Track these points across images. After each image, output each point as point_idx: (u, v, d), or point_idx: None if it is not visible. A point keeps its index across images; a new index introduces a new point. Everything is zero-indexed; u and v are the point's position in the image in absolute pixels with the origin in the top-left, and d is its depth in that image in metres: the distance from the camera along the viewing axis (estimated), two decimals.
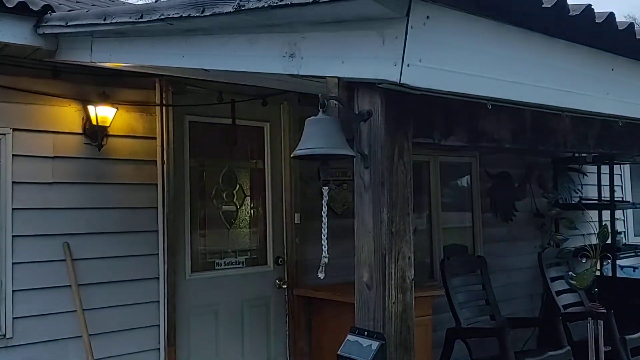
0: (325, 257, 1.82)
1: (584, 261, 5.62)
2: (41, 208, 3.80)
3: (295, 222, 4.81)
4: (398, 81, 1.65)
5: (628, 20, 2.07)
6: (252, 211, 4.82)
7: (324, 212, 1.80)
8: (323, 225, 1.78)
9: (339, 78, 1.87)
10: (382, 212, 1.79)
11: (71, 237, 3.87)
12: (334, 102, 1.86)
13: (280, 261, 4.76)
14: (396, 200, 1.83)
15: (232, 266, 4.62)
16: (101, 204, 4.01)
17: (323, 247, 1.82)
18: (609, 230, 5.58)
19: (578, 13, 1.84)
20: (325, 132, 1.71)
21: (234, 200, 4.71)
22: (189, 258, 4.40)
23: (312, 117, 1.78)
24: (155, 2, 2.49)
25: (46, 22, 3.35)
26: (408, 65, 1.64)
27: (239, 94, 4.47)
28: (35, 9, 3.41)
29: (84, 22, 2.97)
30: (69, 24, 3.13)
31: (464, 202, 6.29)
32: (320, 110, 1.76)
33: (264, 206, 4.82)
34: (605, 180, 6.69)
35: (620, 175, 7.49)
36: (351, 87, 1.91)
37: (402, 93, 1.83)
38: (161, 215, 4.21)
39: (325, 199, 1.79)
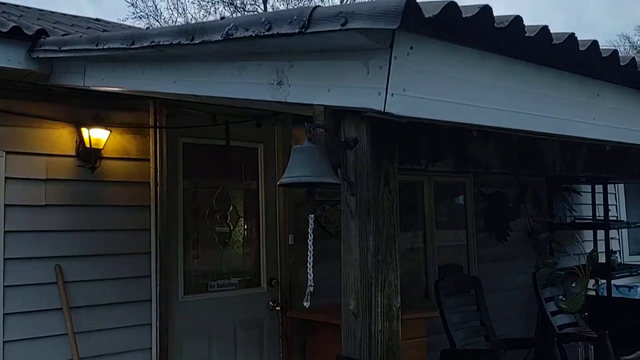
0: (311, 286, 1.82)
1: (574, 285, 5.61)
2: (34, 231, 3.80)
3: (289, 243, 4.80)
4: (382, 110, 1.66)
5: (612, 48, 2.09)
6: (245, 232, 4.82)
7: (310, 240, 1.81)
8: (309, 253, 1.78)
9: (325, 106, 1.89)
10: (368, 239, 1.80)
11: (63, 259, 3.86)
12: (321, 129, 1.87)
13: (274, 283, 4.75)
14: (382, 227, 1.83)
15: (225, 288, 4.61)
16: (94, 226, 4.01)
17: (309, 275, 1.82)
18: (598, 254, 5.57)
19: (561, 42, 1.86)
20: (311, 161, 1.72)
21: (228, 221, 4.71)
22: (182, 280, 4.38)
23: (299, 145, 1.80)
24: (147, 28, 2.52)
25: (40, 47, 3.38)
26: (392, 95, 1.65)
27: (233, 115, 4.49)
28: (30, 33, 3.44)
29: (77, 47, 2.99)
30: (62, 48, 3.16)
31: (459, 220, 6.29)
32: (307, 138, 1.77)
33: (258, 227, 4.82)
34: (599, 199, 6.70)
35: (615, 194, 7.51)
36: (338, 114, 1.92)
37: (387, 120, 1.84)
38: (154, 237, 4.21)
39: (311, 226, 1.79)
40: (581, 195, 7.05)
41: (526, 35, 1.76)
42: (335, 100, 1.83)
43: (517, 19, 1.71)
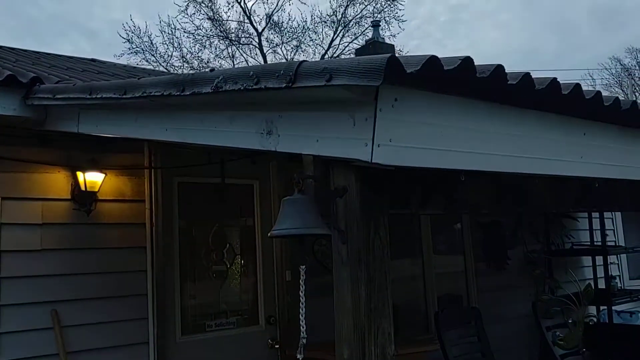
0: (304, 337, 1.82)
1: (570, 321, 5.59)
2: (29, 276, 3.80)
3: (287, 279, 4.79)
4: (370, 161, 1.68)
5: (594, 90, 2.13)
6: (242, 270, 4.81)
7: (302, 292, 1.81)
8: (301, 304, 1.79)
9: (314, 155, 1.91)
10: (360, 288, 1.80)
11: (59, 304, 3.85)
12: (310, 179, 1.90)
13: (272, 320, 4.73)
14: (374, 275, 1.84)
15: (223, 327, 4.58)
16: (90, 269, 4.00)
17: (301, 327, 1.82)
18: (593, 289, 5.57)
19: (543, 87, 1.90)
20: (300, 212, 1.74)
21: (224, 259, 4.71)
22: (179, 321, 4.36)
23: (288, 197, 1.82)
24: (139, 78, 2.56)
25: (35, 94, 3.42)
26: (379, 146, 1.68)
27: (228, 153, 4.52)
28: (24, 80, 3.49)
29: (71, 96, 3.04)
30: (56, 96, 3.20)
31: (457, 249, 6.29)
32: (296, 189, 1.79)
33: (255, 264, 4.81)
34: (596, 224, 6.71)
35: (612, 218, 7.51)
36: (327, 163, 1.95)
37: (376, 168, 1.86)
38: (150, 278, 4.20)
39: (302, 277, 1.80)
40: (578, 221, 7.06)
41: (508, 83, 1.80)
42: (323, 150, 1.85)
43: (499, 69, 1.74)
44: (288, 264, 4.81)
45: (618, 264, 7.50)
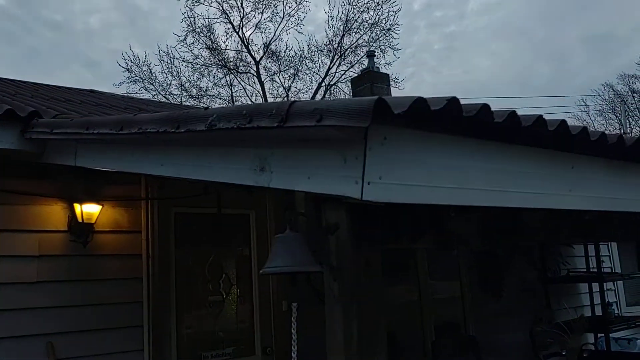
0: None
1: (564, 353, 5.57)
2: (25, 308, 3.79)
3: (283, 309, 4.78)
4: (360, 198, 1.72)
5: (581, 125, 2.18)
6: (238, 300, 4.81)
7: (294, 328, 1.83)
8: (293, 342, 1.81)
9: (306, 192, 1.95)
10: (352, 324, 1.82)
11: (55, 336, 3.84)
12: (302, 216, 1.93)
13: (269, 351, 4.71)
14: (366, 312, 1.86)
15: (220, 358, 4.56)
16: (86, 301, 4.00)
17: None
18: (585, 320, 5.56)
19: (529, 124, 1.94)
20: (292, 250, 1.76)
21: (221, 289, 4.71)
22: (175, 352, 4.34)
23: (280, 235, 1.85)
24: (135, 115, 2.61)
25: (33, 128, 3.47)
26: (369, 183, 1.72)
27: (225, 184, 4.54)
28: (23, 114, 3.54)
29: (68, 131, 3.08)
30: (54, 131, 3.25)
31: (453, 276, 6.29)
32: (288, 227, 1.82)
33: (251, 294, 4.81)
34: (592, 250, 6.72)
35: (607, 245, 7.53)
36: (318, 199, 1.98)
37: (367, 205, 1.90)
38: (146, 309, 4.19)
39: (294, 314, 1.82)
40: (573, 247, 7.07)
41: (495, 121, 1.84)
42: (315, 187, 1.89)
43: (485, 108, 1.79)
44: (284, 293, 4.80)
45: (615, 290, 7.49)
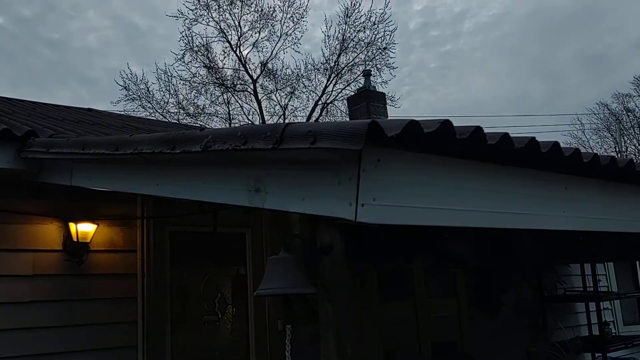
0: None
1: None
2: (19, 328, 3.76)
3: (279, 329, 4.76)
4: (354, 220, 1.72)
5: (573, 147, 2.19)
6: (234, 319, 4.78)
7: (288, 351, 1.82)
8: None
9: (300, 213, 1.95)
10: (346, 347, 1.82)
11: (50, 356, 3.81)
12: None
13: None
14: (361, 332, 1.86)
15: None
16: (80, 320, 3.98)
17: None
18: (581, 341, 5.54)
19: (522, 146, 1.96)
20: (286, 272, 1.77)
21: (216, 309, 4.69)
22: None
23: (274, 257, 1.85)
24: (131, 135, 2.62)
25: (29, 148, 3.48)
26: (363, 205, 1.73)
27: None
28: (19, 134, 3.55)
29: (64, 150, 3.09)
30: (50, 150, 3.25)
31: (450, 292, 6.26)
32: (282, 248, 1.82)
33: (247, 313, 4.79)
34: (588, 269, 6.71)
35: (604, 264, 7.51)
36: (313, 221, 1.99)
37: (361, 226, 1.90)
38: (141, 328, 4.17)
39: (288, 337, 1.81)
40: (570, 266, 7.06)
41: (488, 143, 1.86)
42: (309, 208, 1.90)
43: (477, 130, 1.81)
44: (280, 312, 4.78)
45: (612, 309, 7.46)
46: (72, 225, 4.00)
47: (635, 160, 2.46)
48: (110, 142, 2.70)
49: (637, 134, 28.81)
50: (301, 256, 1.89)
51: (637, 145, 28.72)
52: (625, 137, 28.37)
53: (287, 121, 20.11)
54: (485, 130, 1.93)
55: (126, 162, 2.75)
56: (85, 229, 4.04)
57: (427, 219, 1.90)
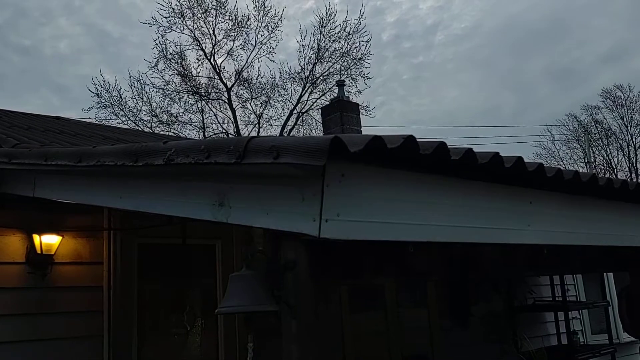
0: None
1: None
2: None
3: (249, 343, 4.69)
4: (317, 236, 1.70)
5: (537, 162, 2.21)
6: (203, 332, 4.71)
7: None
8: None
9: (264, 229, 1.93)
10: None
11: None
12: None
13: None
14: (326, 350, 1.83)
15: None
16: (44, 335, 3.87)
17: None
18: (545, 353, 5.61)
19: (486, 161, 1.97)
20: (248, 289, 1.74)
21: (185, 322, 4.61)
22: None
23: (236, 274, 1.82)
24: (94, 147, 2.57)
25: None
26: (326, 221, 1.71)
27: None
28: None
29: (27, 162, 3.02)
30: (12, 161, 3.18)
31: (421, 303, 6.26)
32: (244, 265, 1.79)
33: (216, 327, 4.72)
34: (557, 279, 6.80)
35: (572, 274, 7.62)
36: (277, 236, 1.96)
37: (326, 242, 1.88)
38: (107, 343, 4.08)
39: (250, 356, 1.78)
40: (539, 277, 7.14)
41: (452, 158, 1.86)
42: (273, 223, 1.87)
43: (441, 146, 1.81)
44: (251, 326, 4.72)
45: (580, 318, 7.57)
46: (35, 237, 3.91)
47: (598, 175, 2.49)
48: (72, 153, 2.64)
49: (605, 145, 29.48)
50: (265, 272, 1.86)
51: (605, 155, 29.39)
52: (593, 148, 28.98)
53: (261, 130, 20.08)
54: (452, 145, 1.94)
55: (89, 174, 2.70)
56: (49, 240, 3.95)
57: (392, 234, 1.90)
